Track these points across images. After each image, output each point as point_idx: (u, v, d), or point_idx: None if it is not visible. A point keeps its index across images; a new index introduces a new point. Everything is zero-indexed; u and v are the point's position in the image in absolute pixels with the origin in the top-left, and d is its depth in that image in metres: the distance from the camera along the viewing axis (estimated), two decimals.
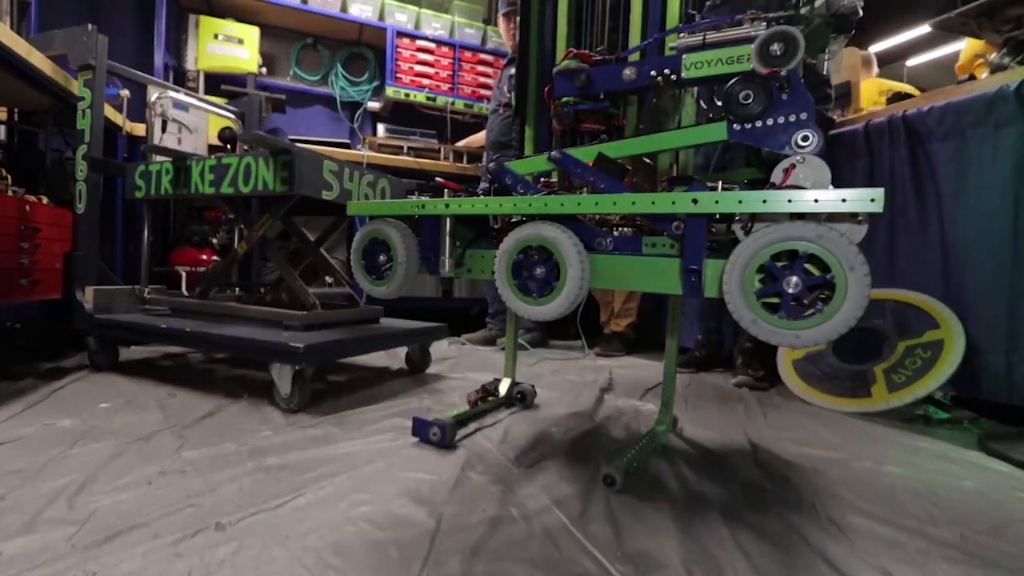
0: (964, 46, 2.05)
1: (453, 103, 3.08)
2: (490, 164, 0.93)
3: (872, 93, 2.87)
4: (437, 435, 1.09)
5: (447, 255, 0.93)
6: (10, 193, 1.67)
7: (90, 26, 1.60)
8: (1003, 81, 1.38)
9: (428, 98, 3.03)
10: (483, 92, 3.16)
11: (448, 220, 0.92)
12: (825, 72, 1.77)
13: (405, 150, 2.78)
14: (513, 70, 1.33)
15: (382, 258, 0.97)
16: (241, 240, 1.68)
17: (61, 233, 1.85)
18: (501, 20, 2.51)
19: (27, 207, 1.67)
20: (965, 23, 1.69)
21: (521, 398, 1.44)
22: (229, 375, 1.63)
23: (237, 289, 2.12)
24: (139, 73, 1.84)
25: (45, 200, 1.84)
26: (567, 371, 1.98)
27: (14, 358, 1.73)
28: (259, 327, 1.48)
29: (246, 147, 2.21)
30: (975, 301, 1.44)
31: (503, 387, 1.41)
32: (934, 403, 1.53)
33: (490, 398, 1.36)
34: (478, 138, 2.90)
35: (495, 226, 0.96)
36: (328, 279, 1.75)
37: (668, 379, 1.23)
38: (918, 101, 1.60)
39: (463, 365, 2.00)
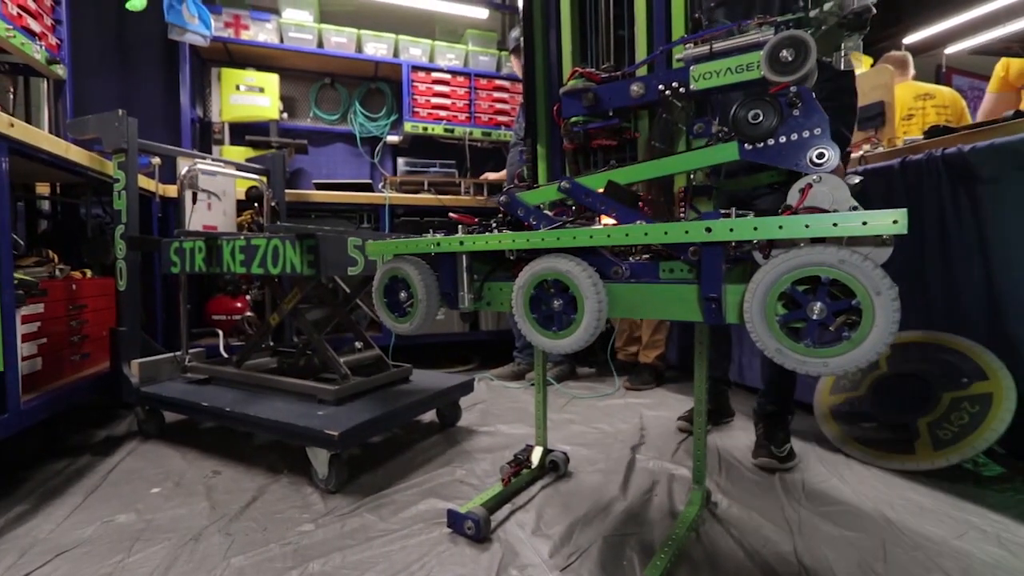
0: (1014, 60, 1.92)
1: (471, 132, 3.08)
2: (501, 197, 0.91)
3: (907, 98, 2.75)
4: (472, 529, 1.10)
5: (465, 290, 0.93)
6: (57, 273, 1.76)
7: (120, 111, 1.67)
8: None
9: (446, 130, 3.04)
10: (500, 119, 3.15)
11: (464, 255, 0.92)
12: (842, 66, 1.56)
13: (425, 186, 2.80)
14: None
15: (403, 295, 0.98)
16: (273, 312, 1.73)
17: (107, 302, 1.95)
18: (513, 58, 2.49)
19: (73, 286, 1.75)
20: (1008, 47, 1.59)
21: (554, 466, 1.45)
22: (268, 440, 1.69)
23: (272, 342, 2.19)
24: (168, 147, 1.91)
25: (89, 273, 1.93)
26: (597, 416, 1.97)
27: (70, 422, 1.84)
28: (295, 400, 1.53)
29: (274, 203, 2.27)
30: None
31: (535, 456, 1.42)
32: (986, 453, 1.47)
33: (523, 471, 1.37)
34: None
35: (511, 257, 0.95)
36: (358, 344, 1.79)
37: (698, 452, 1.22)
38: (958, 139, 1.51)
39: (493, 413, 2.02)
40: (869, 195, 1.72)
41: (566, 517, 1.20)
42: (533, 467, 1.40)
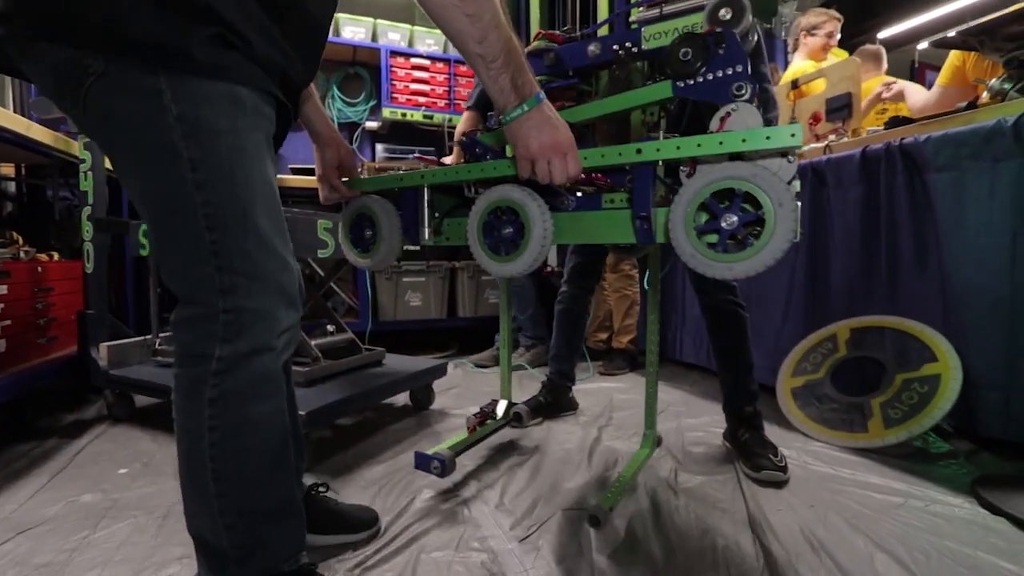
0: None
1: (450, 119, 3.07)
2: (462, 137, 0.97)
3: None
4: (437, 468, 1.17)
5: (426, 224, 0.98)
6: (22, 255, 1.73)
7: None
8: (1001, 114, 1.34)
9: (425, 116, 3.03)
10: None
11: (426, 190, 0.97)
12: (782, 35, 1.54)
13: None
14: None
15: (368, 233, 1.04)
16: None
17: (74, 285, 1.92)
18: None
19: (39, 268, 1.73)
20: (966, 41, 1.64)
21: (517, 418, 1.52)
22: None
23: None
24: None
25: (56, 256, 1.90)
26: None
27: (38, 406, 1.82)
28: None
29: None
30: (973, 335, 1.43)
31: (500, 408, 1.50)
32: (935, 431, 1.53)
33: (488, 421, 1.43)
34: None
35: (470, 194, 1.01)
36: (330, 327, 1.79)
37: (650, 399, 1.32)
38: (915, 129, 1.56)
39: (467, 396, 2.04)
40: (829, 183, 1.77)
41: (530, 493, 1.24)
42: (498, 418, 1.45)
